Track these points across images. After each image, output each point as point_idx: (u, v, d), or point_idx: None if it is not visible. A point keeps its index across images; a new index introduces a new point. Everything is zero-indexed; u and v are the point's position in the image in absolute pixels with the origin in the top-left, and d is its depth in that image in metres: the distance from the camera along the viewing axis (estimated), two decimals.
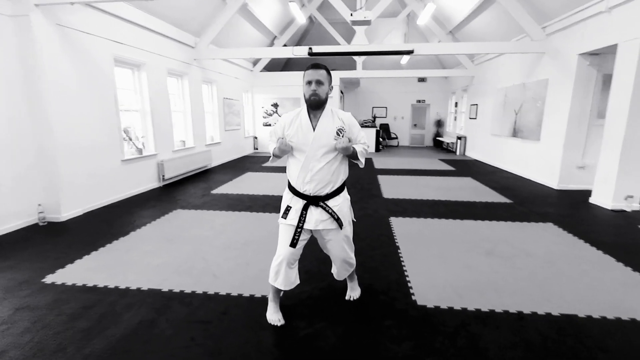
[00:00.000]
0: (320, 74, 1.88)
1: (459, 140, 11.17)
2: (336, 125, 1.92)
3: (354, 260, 2.17)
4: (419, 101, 14.03)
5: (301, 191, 1.94)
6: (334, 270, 2.32)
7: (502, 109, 8.09)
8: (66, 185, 4.11)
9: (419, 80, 13.74)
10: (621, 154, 4.46)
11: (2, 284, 2.56)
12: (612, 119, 4.62)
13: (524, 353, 1.83)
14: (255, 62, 10.94)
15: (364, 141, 2.03)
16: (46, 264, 2.91)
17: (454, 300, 2.34)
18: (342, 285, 2.45)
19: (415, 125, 14.43)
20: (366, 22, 5.45)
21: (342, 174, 2.00)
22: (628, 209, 4.53)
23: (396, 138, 14.09)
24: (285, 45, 10.88)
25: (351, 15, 5.48)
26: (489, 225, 3.95)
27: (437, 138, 13.63)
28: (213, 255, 3.09)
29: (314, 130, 1.91)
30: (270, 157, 2.06)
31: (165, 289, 2.48)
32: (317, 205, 1.94)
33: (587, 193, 5.29)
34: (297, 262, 2.07)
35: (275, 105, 11.28)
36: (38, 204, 3.94)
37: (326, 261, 2.82)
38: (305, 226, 1.95)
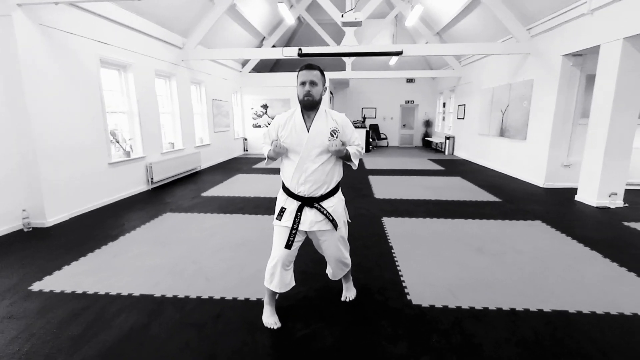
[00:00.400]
0: (314, 74, 1.87)
1: (447, 140, 11.31)
2: (330, 126, 1.91)
3: (349, 261, 2.17)
4: (407, 102, 14.17)
5: (296, 192, 1.93)
6: (329, 271, 2.32)
7: (489, 109, 8.23)
8: (51, 190, 4.00)
9: (407, 81, 13.87)
10: (605, 153, 4.59)
11: None
12: (595, 118, 4.75)
13: (518, 349, 1.86)
14: (244, 63, 10.87)
15: (358, 142, 2.02)
16: (32, 270, 2.82)
17: (448, 298, 2.36)
18: (338, 286, 2.45)
19: (404, 125, 14.55)
20: (357, 24, 5.48)
21: (337, 174, 2.00)
22: (612, 206, 4.66)
23: (386, 138, 14.19)
24: (274, 46, 10.85)
25: (342, 16, 5.50)
26: (478, 224, 4.00)
27: (426, 138, 13.79)
28: (205, 258, 3.05)
29: (308, 131, 1.90)
30: (265, 159, 2.03)
31: (157, 294, 2.43)
32: (311, 206, 1.93)
33: (573, 191, 5.43)
34: (292, 264, 2.06)
35: (265, 107, 11.23)
36: (22, 209, 3.82)
37: (321, 262, 2.81)
38: (300, 227, 1.94)
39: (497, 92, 7.85)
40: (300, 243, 2.01)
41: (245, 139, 11.49)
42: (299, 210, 1.93)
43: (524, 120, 6.65)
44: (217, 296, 2.41)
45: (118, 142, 5.50)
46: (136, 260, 3.00)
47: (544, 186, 5.98)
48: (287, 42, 13.01)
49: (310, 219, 1.93)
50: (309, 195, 1.92)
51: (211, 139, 8.79)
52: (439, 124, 13.37)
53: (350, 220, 2.22)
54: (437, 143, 12.42)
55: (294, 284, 2.10)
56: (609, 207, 4.64)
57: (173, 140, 7.13)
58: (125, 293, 2.45)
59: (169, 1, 5.97)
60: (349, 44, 6.78)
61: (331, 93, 12.18)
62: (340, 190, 2.07)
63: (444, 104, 12.66)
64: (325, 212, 1.93)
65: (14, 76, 3.67)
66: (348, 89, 13.88)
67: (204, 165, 8.33)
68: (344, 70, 10.77)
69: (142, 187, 5.79)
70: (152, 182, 5.94)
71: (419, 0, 8.87)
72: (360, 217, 4.23)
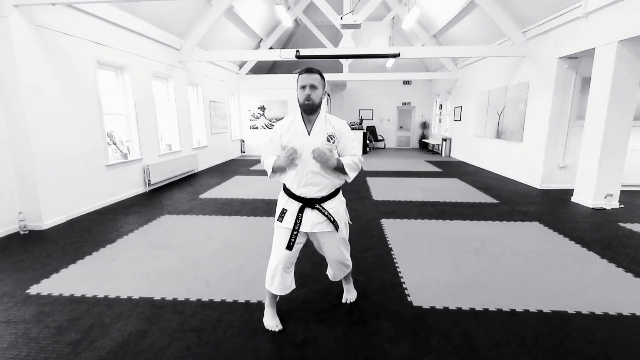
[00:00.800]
0: (314, 78, 1.87)
1: (444, 142, 11.37)
2: (327, 131, 1.91)
3: (350, 262, 2.18)
4: (404, 104, 14.23)
5: (297, 194, 1.93)
6: (329, 272, 2.32)
7: (486, 111, 8.29)
8: (47, 192, 3.96)
9: (404, 83, 13.94)
10: (600, 154, 4.63)
11: None
12: (591, 120, 4.80)
13: (519, 350, 1.87)
14: (241, 65, 10.86)
15: (355, 152, 1.93)
16: (29, 274, 2.79)
17: (448, 299, 2.37)
18: (338, 288, 2.45)
19: (401, 127, 14.61)
20: (356, 26, 5.50)
21: (338, 177, 2.00)
22: (608, 207, 4.71)
23: (383, 140, 14.23)
24: (271, 48, 10.85)
25: (341, 19, 5.51)
26: (476, 225, 4.02)
27: (423, 140, 13.85)
28: (204, 261, 3.03)
29: (309, 134, 1.90)
30: (266, 165, 1.96)
31: (156, 297, 2.42)
32: (313, 207, 1.93)
33: (569, 192, 5.47)
34: (293, 266, 2.06)
35: (262, 108, 11.22)
36: (19, 211, 3.79)
37: (320, 264, 2.82)
38: (302, 229, 1.93)
39: (493, 95, 7.91)
40: (301, 245, 2.01)
41: (243, 141, 11.47)
42: (300, 211, 1.93)
43: (520, 122, 6.70)
44: (217, 299, 2.40)
45: (115, 144, 5.47)
46: (134, 264, 2.98)
47: (540, 187, 6.03)
48: (284, 44, 13.03)
49: (312, 221, 1.93)
50: (311, 197, 1.92)
51: (208, 141, 8.77)
52: (435, 126, 13.43)
53: (351, 222, 2.22)
54: (433, 145, 12.47)
55: (294, 286, 2.10)
56: (604, 208, 4.68)
57: (170, 142, 7.11)
58: (124, 297, 2.43)
59: (166, 2, 5.96)
60: (347, 46, 6.80)
61: (328, 95, 12.20)
62: (341, 192, 2.07)
63: (441, 106, 12.73)
64: (326, 213, 1.93)
65: (11, 78, 3.63)
66: (345, 90, 13.92)
67: (202, 167, 8.30)
68: (342, 72, 10.81)
69: (139, 189, 5.76)
70: (149, 184, 5.90)
71: (415, 3, 8.92)
72: (359, 218, 4.23)
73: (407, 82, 13.91)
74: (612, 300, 2.37)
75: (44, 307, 2.30)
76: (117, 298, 2.41)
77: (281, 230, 1.98)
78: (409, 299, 2.39)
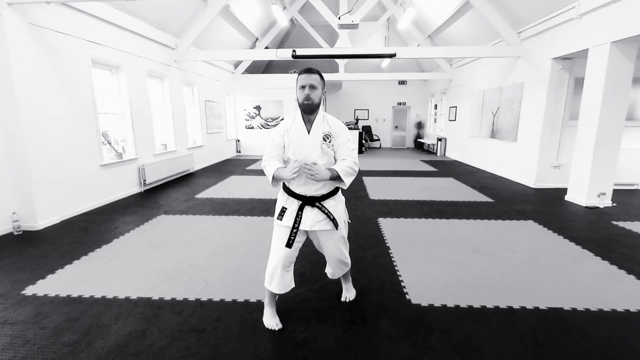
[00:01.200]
0: (314, 78, 1.88)
1: (439, 142, 11.43)
2: (324, 131, 1.92)
3: (349, 260, 2.18)
4: (399, 103, 14.29)
5: (297, 192, 1.93)
6: (328, 270, 2.32)
7: (480, 111, 8.36)
8: (41, 192, 3.92)
9: (399, 83, 13.99)
10: (593, 154, 4.70)
11: None
12: (584, 120, 4.86)
13: (516, 346, 1.89)
14: (236, 64, 10.83)
15: (349, 153, 1.89)
16: (25, 274, 2.76)
17: (447, 297, 2.39)
18: (337, 287, 2.46)
19: (396, 127, 14.66)
20: (353, 26, 5.52)
21: (333, 184, 1.99)
22: (601, 206, 4.78)
23: (378, 140, 14.28)
24: (267, 48, 10.83)
25: (339, 19, 5.52)
26: (472, 224, 4.06)
27: (418, 140, 13.91)
28: (202, 261, 3.02)
29: (308, 133, 1.91)
30: (265, 168, 1.91)
31: (155, 297, 2.41)
32: (312, 205, 1.94)
33: (563, 191, 5.54)
34: (292, 265, 2.06)
35: (258, 108, 11.20)
36: (12, 212, 3.74)
37: (319, 263, 2.82)
38: (301, 227, 1.94)
39: (488, 95, 7.97)
40: (300, 244, 2.01)
41: (238, 141, 11.44)
42: (300, 209, 1.93)
43: (514, 122, 6.77)
44: (216, 298, 2.39)
45: (110, 144, 5.42)
46: (132, 264, 2.96)
47: (535, 187, 6.09)
48: (280, 43, 13.01)
49: (312, 219, 1.94)
50: (311, 195, 1.92)
51: (204, 141, 8.73)
52: (430, 126, 13.51)
53: (350, 221, 2.23)
54: (429, 144, 12.54)
55: (293, 285, 2.10)
56: (598, 207, 4.75)
57: (166, 141, 7.06)
58: (122, 297, 2.41)
59: (162, 1, 5.92)
60: (343, 46, 6.81)
61: (324, 94, 12.20)
62: (340, 190, 2.08)
63: (436, 106, 12.80)
64: (326, 211, 1.94)
65: (4, 77, 3.58)
66: (341, 90, 13.93)
67: (197, 167, 8.26)
68: (337, 72, 10.82)
69: (134, 189, 5.71)
70: (144, 184, 5.86)
71: (411, 3, 8.96)
72: (356, 218, 4.24)
73: (402, 82, 13.97)
74: (607, 297, 2.41)
75: (40, 308, 2.27)
76: (115, 298, 2.40)
77: (281, 229, 1.98)
78: (407, 297, 2.41)
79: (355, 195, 5.53)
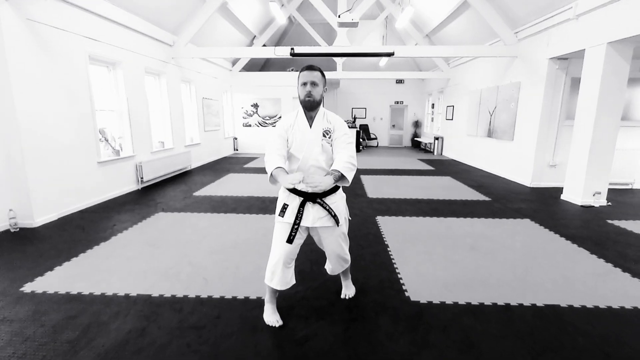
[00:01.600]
0: (315, 75, 1.90)
1: (436, 141, 11.48)
2: (323, 127, 1.93)
3: (348, 256, 2.20)
4: (397, 102, 14.31)
5: (299, 188, 1.93)
6: (327, 266, 2.33)
7: (477, 110, 8.40)
8: (38, 189, 3.89)
9: (397, 82, 14.01)
10: (589, 153, 4.74)
11: None
12: (580, 120, 4.91)
13: (514, 343, 1.92)
14: (234, 62, 10.79)
15: (345, 146, 1.88)
16: (23, 272, 2.75)
17: (445, 295, 2.41)
18: (336, 285, 2.47)
19: (393, 126, 14.70)
20: (353, 24, 5.52)
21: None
22: (596, 205, 4.83)
23: (376, 138, 14.30)
24: (264, 45, 10.80)
25: (339, 17, 5.52)
26: (469, 222, 4.09)
27: (415, 138, 13.95)
28: (200, 258, 3.02)
29: (310, 129, 1.92)
30: (266, 163, 1.89)
31: (154, 295, 2.40)
32: (314, 202, 1.95)
33: (559, 190, 5.59)
34: (293, 262, 2.07)
35: (255, 106, 11.17)
36: (9, 209, 3.71)
37: (318, 261, 2.83)
38: (303, 223, 1.95)
39: (485, 94, 8.01)
40: (302, 240, 2.02)
41: (236, 139, 11.41)
42: (302, 206, 1.94)
43: (511, 121, 6.81)
44: (216, 296, 2.39)
45: (107, 141, 5.39)
46: (131, 261, 2.95)
47: (531, 186, 6.14)
48: (278, 41, 12.97)
49: (313, 215, 1.95)
50: (312, 191, 1.93)
51: (201, 138, 8.70)
52: (427, 125, 13.55)
53: (350, 218, 2.24)
54: (426, 143, 12.58)
55: (294, 282, 2.11)
56: (593, 206, 4.80)
57: (163, 139, 7.03)
58: (121, 294, 2.41)
59: None
60: (342, 44, 6.81)
61: (325, 91, 12.20)
62: (341, 187, 2.09)
63: (433, 105, 12.84)
64: (327, 207, 1.95)
65: (1, 73, 3.55)
66: (338, 89, 13.93)
67: (195, 164, 8.24)
68: (335, 70, 10.81)
69: (131, 186, 5.69)
70: (142, 181, 5.84)
71: (409, 2, 8.97)
72: (355, 216, 4.26)
73: (399, 81, 13.99)
74: (602, 294, 2.45)
75: (39, 306, 2.27)
76: (114, 296, 2.39)
77: (282, 225, 1.98)
78: (406, 294, 2.43)
79: (354, 193, 5.54)
